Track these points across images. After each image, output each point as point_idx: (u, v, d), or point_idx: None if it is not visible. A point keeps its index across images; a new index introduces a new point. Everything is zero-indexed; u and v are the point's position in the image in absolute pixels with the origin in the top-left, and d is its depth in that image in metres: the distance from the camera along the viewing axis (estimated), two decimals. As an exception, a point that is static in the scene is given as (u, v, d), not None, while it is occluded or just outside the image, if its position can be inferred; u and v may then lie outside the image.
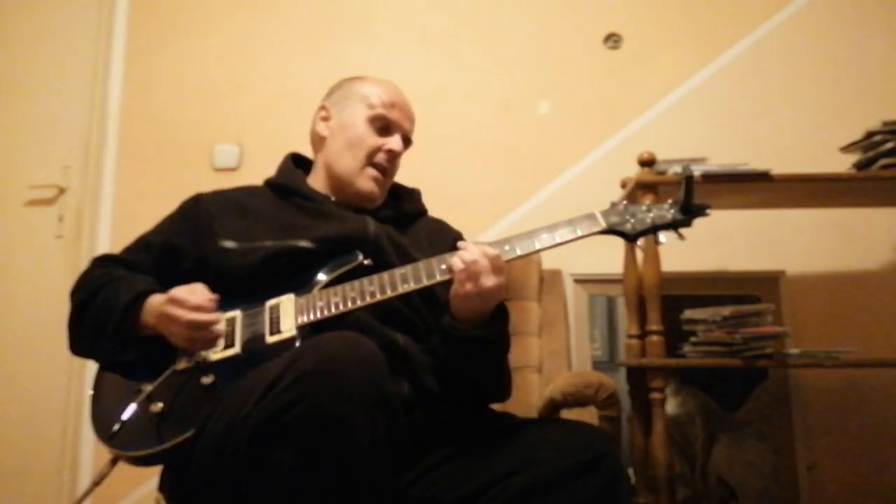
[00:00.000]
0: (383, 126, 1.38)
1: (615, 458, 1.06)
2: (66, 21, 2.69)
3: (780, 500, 2.18)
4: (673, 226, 1.20)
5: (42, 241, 2.53)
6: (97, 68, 2.63)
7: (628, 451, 2.02)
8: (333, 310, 1.13)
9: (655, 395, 1.84)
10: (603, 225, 1.18)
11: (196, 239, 1.28)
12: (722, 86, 2.49)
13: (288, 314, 1.13)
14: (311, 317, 1.13)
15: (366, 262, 1.22)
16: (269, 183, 1.41)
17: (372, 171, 1.36)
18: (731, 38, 2.52)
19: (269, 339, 1.12)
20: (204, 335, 1.13)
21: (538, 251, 1.18)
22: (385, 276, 1.15)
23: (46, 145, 2.60)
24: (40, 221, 2.53)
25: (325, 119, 1.43)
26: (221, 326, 1.14)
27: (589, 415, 1.68)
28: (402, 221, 1.40)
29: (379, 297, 1.13)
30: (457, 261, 1.13)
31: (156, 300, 1.17)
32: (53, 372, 2.38)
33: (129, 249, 1.34)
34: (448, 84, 2.56)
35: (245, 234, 1.26)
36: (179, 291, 1.14)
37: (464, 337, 1.16)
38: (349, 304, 1.13)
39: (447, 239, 1.41)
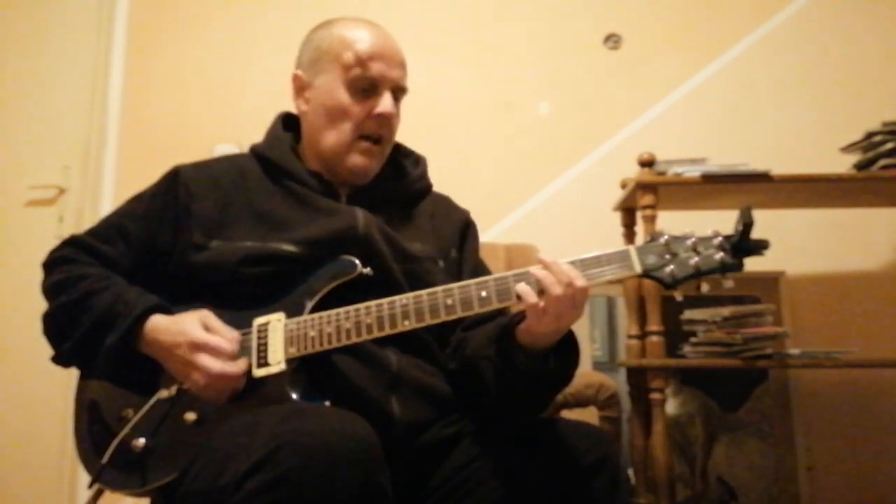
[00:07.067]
0: (366, 87, 1.19)
1: (617, 460, 1.05)
2: (66, 21, 2.68)
3: (781, 501, 2.18)
4: (721, 270, 1.02)
5: (42, 242, 2.47)
6: (97, 68, 2.62)
7: (628, 451, 2.03)
8: (325, 343, 1.04)
9: (655, 396, 1.84)
10: (638, 270, 1.03)
11: (175, 228, 1.16)
12: (722, 86, 2.49)
13: (277, 341, 1.05)
14: (302, 349, 1.04)
15: (365, 271, 1.10)
16: (257, 154, 1.25)
17: (363, 144, 1.19)
18: (731, 38, 2.52)
19: (257, 373, 1.03)
20: (225, 385, 1.02)
21: None
22: (385, 307, 1.04)
23: (46, 145, 2.60)
24: (40, 221, 2.53)
25: (302, 90, 1.25)
26: (242, 381, 1.03)
27: (589, 415, 1.68)
28: (402, 203, 1.27)
29: (377, 333, 1.03)
30: (529, 293, 0.98)
31: (160, 327, 1.06)
32: (53, 373, 2.35)
33: (102, 237, 1.19)
34: (448, 84, 2.56)
35: (222, 229, 1.14)
36: (210, 337, 1.03)
37: (538, 376, 1.04)
38: (342, 339, 1.04)
39: (454, 222, 1.31)
